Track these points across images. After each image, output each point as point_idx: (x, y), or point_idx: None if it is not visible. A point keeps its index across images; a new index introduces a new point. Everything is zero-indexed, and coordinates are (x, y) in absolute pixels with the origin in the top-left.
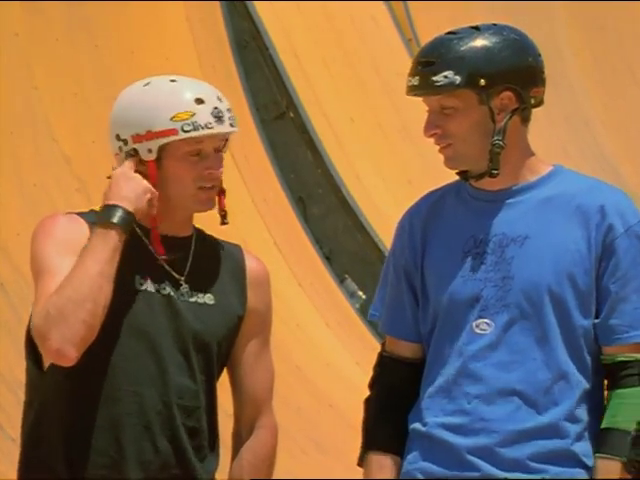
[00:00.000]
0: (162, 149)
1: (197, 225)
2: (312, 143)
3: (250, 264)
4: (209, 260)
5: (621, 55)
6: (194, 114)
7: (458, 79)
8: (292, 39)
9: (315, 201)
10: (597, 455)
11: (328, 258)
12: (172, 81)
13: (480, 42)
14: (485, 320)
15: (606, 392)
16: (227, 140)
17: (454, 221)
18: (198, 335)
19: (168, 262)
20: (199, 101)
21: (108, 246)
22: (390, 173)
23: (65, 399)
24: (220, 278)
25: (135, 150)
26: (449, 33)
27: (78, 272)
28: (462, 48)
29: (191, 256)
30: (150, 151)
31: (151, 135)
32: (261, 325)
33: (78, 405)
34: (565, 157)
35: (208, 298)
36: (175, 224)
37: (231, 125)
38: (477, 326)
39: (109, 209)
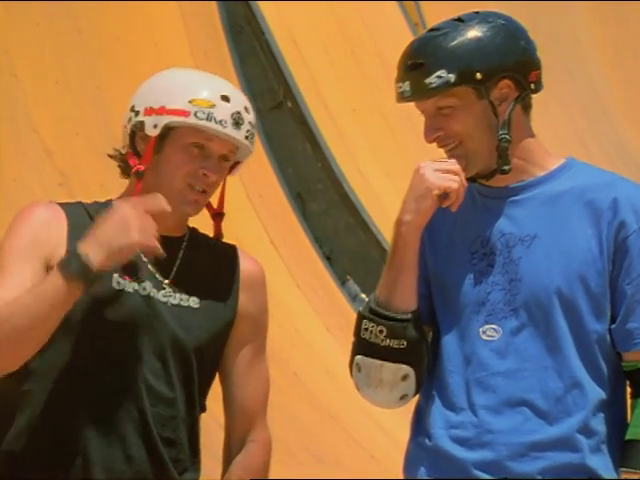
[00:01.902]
0: (168, 132)
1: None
2: (311, 135)
3: (244, 265)
4: (200, 262)
5: None
6: (214, 105)
7: (453, 77)
8: (290, 24)
9: (315, 197)
10: (621, 469)
11: (328, 258)
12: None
13: (468, 34)
14: (492, 326)
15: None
16: (238, 163)
17: (461, 219)
18: (177, 340)
19: (152, 262)
20: (225, 98)
21: (60, 296)
22: (394, 167)
23: (31, 404)
24: (210, 281)
25: (142, 124)
26: (431, 30)
27: (18, 303)
28: (451, 44)
29: (180, 257)
30: (155, 126)
31: (162, 111)
32: (254, 330)
33: (44, 410)
34: (583, 150)
35: (193, 301)
36: (165, 223)
37: (246, 138)
38: (484, 332)
39: (81, 258)
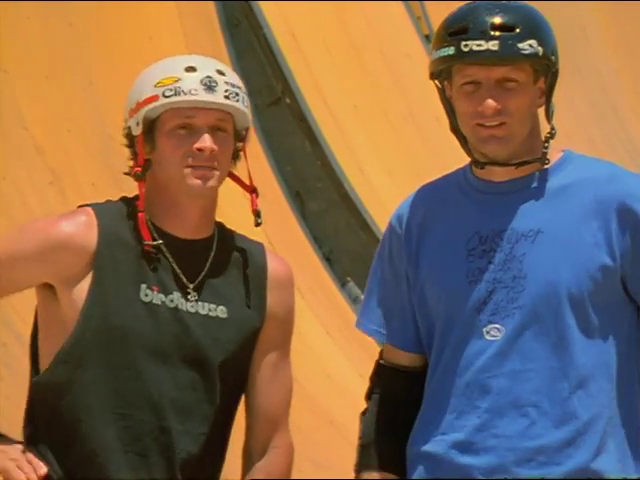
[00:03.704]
0: (153, 126)
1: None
2: (311, 132)
3: (272, 265)
4: (228, 265)
5: None
6: (179, 79)
7: (541, 50)
8: (289, 17)
9: (314, 196)
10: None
11: (328, 259)
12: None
13: (538, 14)
14: (496, 325)
15: None
16: (247, 131)
17: (456, 216)
18: (208, 353)
19: (178, 263)
20: (190, 69)
21: None
22: (396, 165)
23: (53, 421)
24: (237, 286)
25: (130, 128)
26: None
27: None
28: (538, 17)
29: (209, 262)
30: (138, 124)
31: (138, 106)
32: (281, 334)
33: (67, 429)
34: (590, 147)
35: (221, 311)
36: (187, 224)
37: (227, 98)
38: (488, 332)
39: None
